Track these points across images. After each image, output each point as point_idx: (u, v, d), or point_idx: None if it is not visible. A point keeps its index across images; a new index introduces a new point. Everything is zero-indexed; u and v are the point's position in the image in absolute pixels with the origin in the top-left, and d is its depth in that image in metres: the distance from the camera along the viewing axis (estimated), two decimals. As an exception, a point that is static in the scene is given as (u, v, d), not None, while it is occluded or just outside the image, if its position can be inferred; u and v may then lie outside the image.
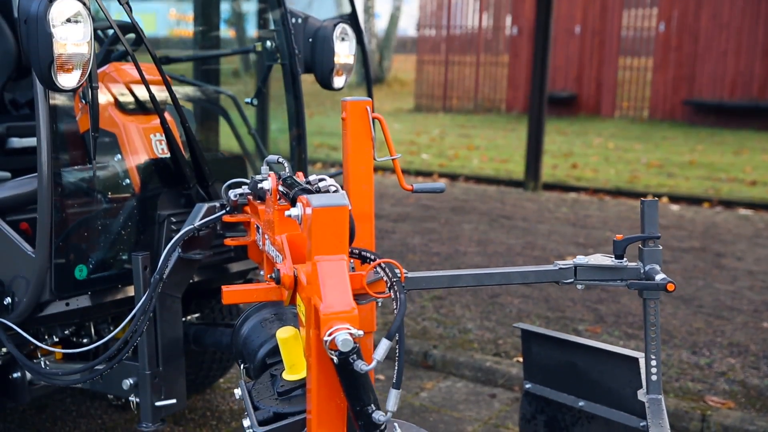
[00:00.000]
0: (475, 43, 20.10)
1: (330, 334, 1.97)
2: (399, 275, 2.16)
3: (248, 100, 3.94)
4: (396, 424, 2.59)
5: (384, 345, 2.00)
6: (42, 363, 3.29)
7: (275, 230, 2.41)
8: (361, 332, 2.00)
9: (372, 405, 2.09)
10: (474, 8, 20.20)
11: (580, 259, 2.50)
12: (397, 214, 8.70)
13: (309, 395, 2.17)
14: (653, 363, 2.52)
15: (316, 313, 2.02)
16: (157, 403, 2.94)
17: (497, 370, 4.50)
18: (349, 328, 1.97)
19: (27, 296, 2.84)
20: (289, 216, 2.17)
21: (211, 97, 4.60)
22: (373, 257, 2.24)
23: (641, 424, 2.61)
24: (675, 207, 9.48)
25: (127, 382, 3.00)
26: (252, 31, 5.86)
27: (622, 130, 16.28)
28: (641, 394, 2.55)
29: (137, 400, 2.98)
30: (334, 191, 2.30)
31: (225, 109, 4.56)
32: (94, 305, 3.00)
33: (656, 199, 2.50)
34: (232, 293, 2.37)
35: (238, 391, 2.39)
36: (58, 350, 2.99)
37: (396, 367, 2.04)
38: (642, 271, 2.47)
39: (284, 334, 2.33)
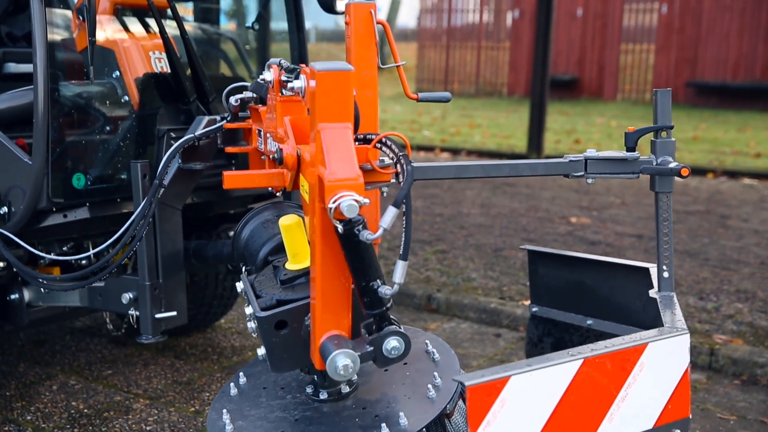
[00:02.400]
0: (475, 33, 20.04)
1: (335, 201, 1.91)
2: (405, 150, 2.10)
3: (249, 24, 3.88)
4: (425, 338, 2.55)
5: (391, 212, 1.94)
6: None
7: (278, 117, 2.34)
8: (366, 200, 1.94)
9: (378, 280, 2.03)
10: (475, 1, 20.15)
11: (591, 152, 2.44)
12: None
13: (313, 280, 2.11)
14: (665, 261, 2.46)
15: (321, 183, 1.96)
16: (158, 315, 2.88)
17: (502, 311, 4.43)
18: (354, 195, 1.91)
19: (24, 204, 2.78)
20: (292, 88, 2.11)
21: (212, 38, 4.54)
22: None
23: None
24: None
25: (127, 296, 2.93)
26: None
27: (625, 111, 16.21)
28: (653, 293, 2.48)
29: (137, 313, 2.92)
30: None
31: (225, 52, 4.50)
32: (92, 218, 2.94)
33: (669, 89, 2.43)
34: (233, 177, 2.30)
35: (240, 285, 2.33)
36: (53, 257, 2.90)
37: (403, 238, 1.97)
38: (654, 164, 2.41)
39: (287, 221, 2.26)
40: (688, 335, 2.16)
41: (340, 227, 1.94)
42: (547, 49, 10.16)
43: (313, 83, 2.00)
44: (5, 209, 2.86)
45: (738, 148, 11.18)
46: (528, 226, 6.60)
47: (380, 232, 1.94)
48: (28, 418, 3.21)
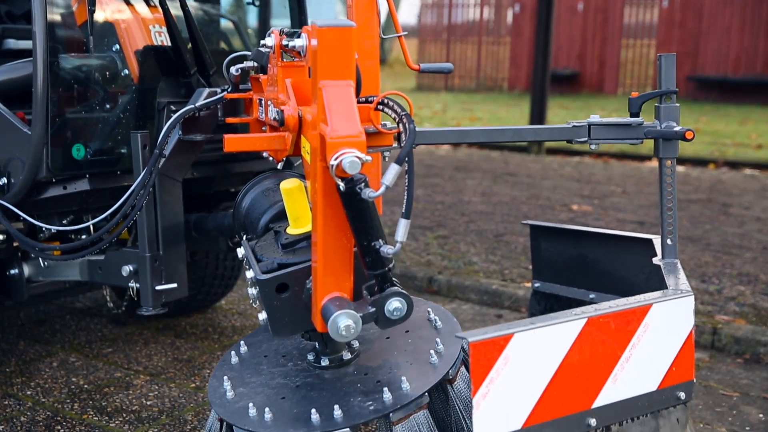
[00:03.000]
0: (476, 29, 20.01)
1: (336, 159, 1.89)
2: (407, 109, 2.09)
3: (248, 0, 3.86)
4: (426, 306, 2.54)
5: (393, 169, 1.93)
6: (40, 258, 3.22)
7: (279, 81, 2.32)
8: (368, 158, 1.93)
9: (380, 240, 2.02)
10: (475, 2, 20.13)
11: (594, 118, 2.42)
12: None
13: (314, 242, 2.09)
14: (669, 228, 2.44)
15: (322, 141, 1.94)
16: (158, 287, 2.86)
17: (503, 293, 4.42)
18: (355, 152, 1.89)
19: (23, 174, 2.77)
20: (293, 47, 2.09)
21: (213, 18, 4.52)
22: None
23: None
24: (680, 168, 9.38)
25: (127, 269, 2.92)
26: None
27: (626, 105, 16.08)
28: (656, 260, 2.47)
29: (137, 285, 2.90)
30: None
31: (227, 34, 4.49)
32: (92, 190, 2.92)
33: (674, 53, 2.41)
34: (234, 140, 2.29)
35: (241, 251, 2.31)
36: (53, 227, 2.88)
37: (405, 197, 1.96)
38: (659, 129, 2.39)
39: (289, 185, 2.25)
40: (693, 297, 2.14)
41: (342, 185, 1.93)
42: (548, 43, 10.13)
43: (314, 41, 1.99)
44: (5, 180, 2.84)
45: (739, 140, 11.16)
46: (529, 213, 6.59)
47: (382, 189, 1.93)
48: (28, 393, 3.20)
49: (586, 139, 2.42)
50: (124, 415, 3.04)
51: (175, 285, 2.90)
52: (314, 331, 2.20)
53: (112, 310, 3.67)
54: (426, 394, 2.17)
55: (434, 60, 20.35)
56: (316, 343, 2.36)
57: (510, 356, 1.83)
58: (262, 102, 2.63)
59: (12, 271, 3.23)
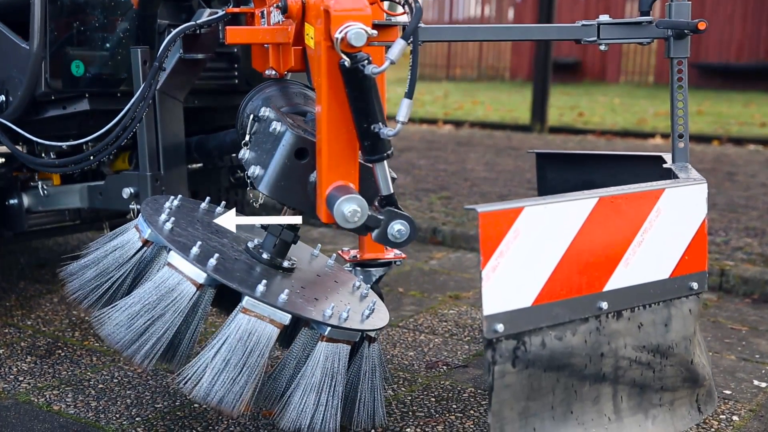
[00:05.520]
0: (477, 22, 19.97)
1: (341, 32, 1.85)
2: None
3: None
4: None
5: (398, 44, 1.89)
6: (40, 188, 3.18)
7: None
8: (374, 32, 1.89)
9: (380, 123, 1.97)
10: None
11: (604, 18, 2.37)
12: (402, 146, 8.58)
13: (319, 131, 2.04)
14: (680, 132, 2.39)
15: (327, 16, 1.90)
16: (159, 207, 2.81)
17: (509, 241, 4.37)
18: (361, 24, 1.85)
19: (22, 90, 2.72)
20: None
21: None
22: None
23: None
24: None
25: (128, 191, 2.87)
26: None
27: (628, 92, 16.14)
28: (667, 165, 2.42)
29: (138, 207, 2.85)
30: None
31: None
32: (92, 111, 2.88)
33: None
34: (235, 32, 2.25)
35: (266, 111, 2.19)
36: (50, 143, 2.82)
37: (409, 76, 1.92)
38: (669, 20, 2.33)
39: None
40: (706, 185, 2.10)
41: (346, 60, 1.88)
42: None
43: None
44: (2, 98, 2.80)
45: (743, 120, 11.11)
46: (533, 179, 6.53)
47: (387, 64, 1.89)
48: (29, 323, 3.15)
49: (595, 38, 2.37)
50: (125, 342, 2.99)
51: (176, 205, 2.85)
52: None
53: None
54: (362, 333, 2.11)
55: (435, 50, 20.32)
56: (265, 235, 2.26)
57: (520, 230, 1.79)
58: (264, 13, 2.58)
59: (11, 201, 3.19)
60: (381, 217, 1.99)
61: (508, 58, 19.46)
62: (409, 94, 1.89)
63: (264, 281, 2.01)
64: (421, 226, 4.67)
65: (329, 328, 2.03)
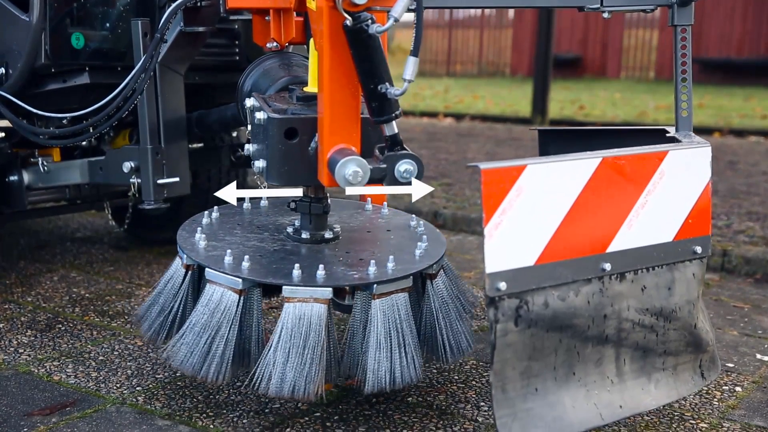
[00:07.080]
0: (477, 23, 19.98)
1: (343, -12, 1.84)
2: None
3: None
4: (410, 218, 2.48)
5: (402, 1, 1.87)
6: (40, 164, 3.17)
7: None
8: (377, -10, 1.87)
9: (386, 83, 1.96)
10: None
11: (607, -15, 2.35)
12: (402, 137, 8.52)
13: (321, 92, 2.03)
14: (684, 99, 2.37)
15: (329, -24, 1.89)
16: (160, 181, 2.80)
17: (510, 223, 4.36)
18: (363, -19, 1.84)
19: (22, 62, 2.71)
20: None
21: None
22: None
23: None
24: (685, 135, 9.32)
25: (128, 165, 2.86)
26: None
27: (629, 87, 16.11)
28: (670, 134, 2.40)
29: (138, 180, 2.85)
30: None
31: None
32: (92, 84, 2.87)
33: None
34: (237, -3, 2.23)
35: (250, 101, 2.22)
36: (50, 115, 2.81)
37: (414, 34, 1.90)
38: (673, -3, 2.32)
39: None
40: (710, 148, 2.09)
41: (349, 20, 1.87)
42: (551, 27, 10.06)
43: None
44: (2, 70, 2.79)
45: (744, 112, 11.09)
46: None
47: (390, 22, 1.88)
48: (29, 299, 3.14)
49: (598, 6, 2.35)
50: (126, 317, 2.98)
51: (177, 179, 2.85)
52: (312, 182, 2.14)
53: (114, 228, 3.61)
54: (411, 277, 2.12)
55: (435, 47, 20.31)
56: (300, 216, 2.30)
57: (523, 188, 1.77)
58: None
59: (11, 178, 3.17)
60: (384, 165, 1.99)
61: (509, 54, 19.43)
62: (415, 52, 1.88)
63: (297, 264, 2.04)
64: (422, 210, 4.66)
65: (376, 285, 2.04)
